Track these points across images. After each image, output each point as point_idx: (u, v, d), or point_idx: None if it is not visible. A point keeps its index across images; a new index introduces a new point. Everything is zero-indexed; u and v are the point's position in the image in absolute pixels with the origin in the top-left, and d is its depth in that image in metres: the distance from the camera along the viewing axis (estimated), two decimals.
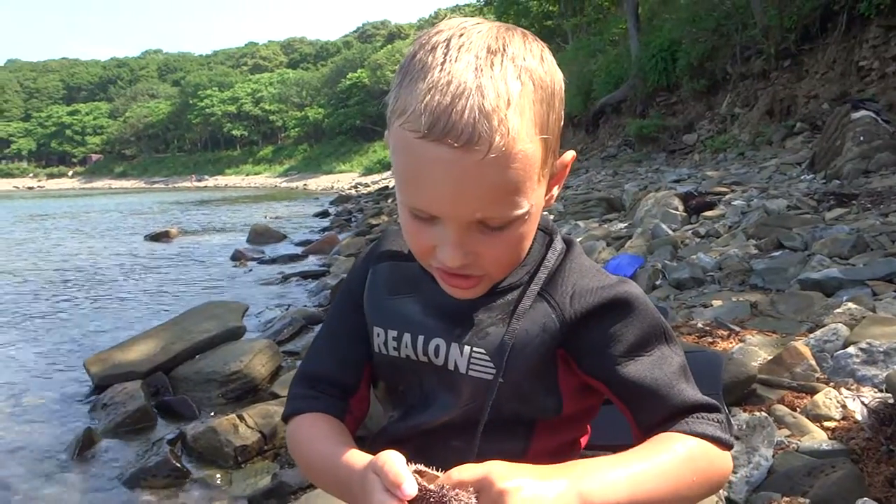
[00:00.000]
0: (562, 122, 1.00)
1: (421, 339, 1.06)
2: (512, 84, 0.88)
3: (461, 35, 0.91)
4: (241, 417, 3.90)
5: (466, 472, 0.86)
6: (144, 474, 3.65)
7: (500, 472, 0.84)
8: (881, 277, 4.52)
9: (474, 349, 1.02)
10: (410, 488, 0.82)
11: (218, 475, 3.70)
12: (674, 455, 0.95)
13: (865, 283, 4.48)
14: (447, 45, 0.90)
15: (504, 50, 0.90)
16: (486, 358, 1.02)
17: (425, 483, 0.85)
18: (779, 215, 6.68)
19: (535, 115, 0.91)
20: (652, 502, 0.91)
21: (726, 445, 1.01)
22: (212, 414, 4.56)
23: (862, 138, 7.97)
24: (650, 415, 1.00)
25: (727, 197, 8.31)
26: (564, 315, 1.02)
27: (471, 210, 0.91)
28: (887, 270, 4.56)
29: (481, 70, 0.87)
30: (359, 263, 1.23)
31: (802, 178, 8.96)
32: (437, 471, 0.87)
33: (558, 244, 1.09)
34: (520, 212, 0.93)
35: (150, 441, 4.19)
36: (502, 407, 1.01)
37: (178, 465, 3.68)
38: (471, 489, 0.84)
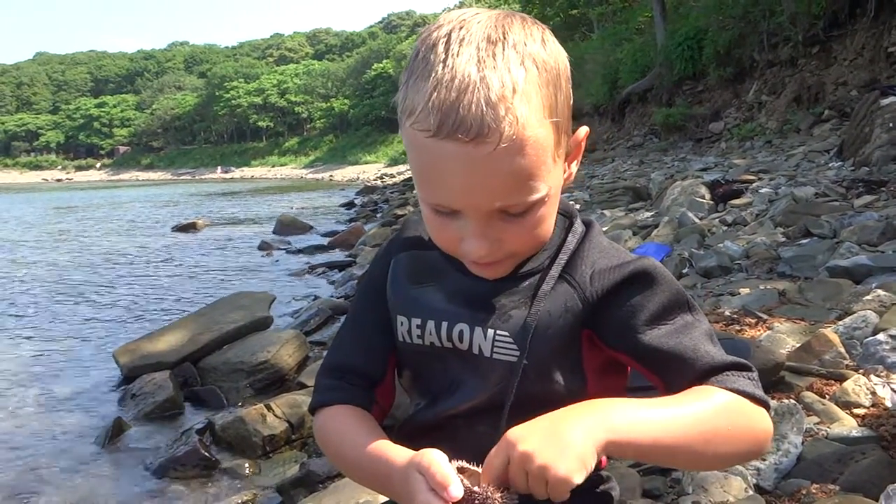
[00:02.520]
0: (571, 101, 1.00)
1: (445, 325, 1.07)
2: (516, 72, 0.89)
3: (461, 28, 0.92)
4: (268, 407, 3.94)
5: (494, 459, 0.88)
6: (173, 464, 3.70)
7: (516, 435, 0.87)
8: None
9: (498, 332, 1.03)
10: (457, 490, 0.84)
11: (246, 464, 3.74)
12: (707, 403, 0.95)
13: (895, 270, 4.42)
14: (448, 40, 0.91)
15: (504, 38, 0.91)
16: (510, 340, 1.03)
17: (470, 484, 0.86)
18: (807, 203, 6.60)
19: (543, 98, 0.92)
20: (682, 446, 0.92)
21: (763, 403, 1.00)
22: (239, 404, 4.61)
23: (891, 125, 7.83)
24: (680, 379, 0.99)
25: (754, 185, 8.22)
26: (586, 294, 1.03)
27: (489, 201, 0.92)
28: None
29: (483, 62, 0.88)
30: (380, 254, 1.24)
31: (830, 165, 8.84)
32: (477, 466, 0.89)
33: (578, 227, 1.10)
34: (538, 196, 0.95)
35: (178, 431, 4.24)
36: (527, 389, 1.02)
37: (207, 454, 3.72)
38: (513, 493, 0.87)
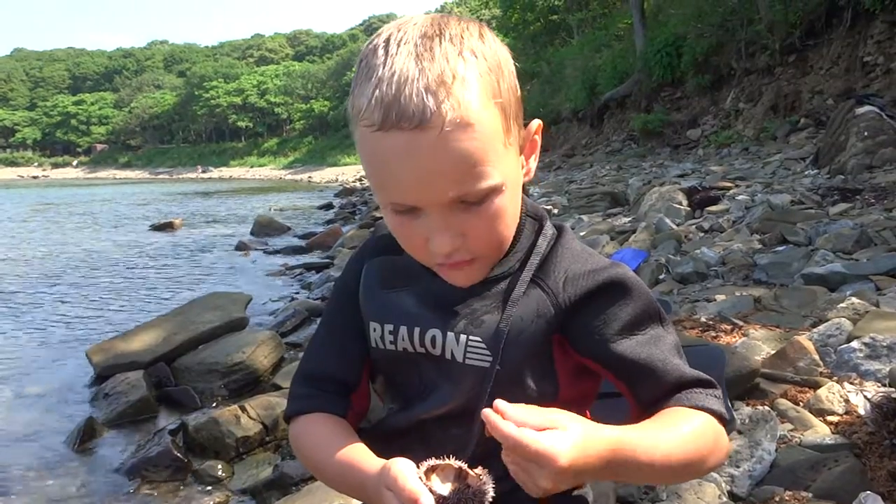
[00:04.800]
0: (518, 93, 1.01)
1: (417, 330, 1.07)
2: (453, 60, 0.91)
3: (399, 31, 0.94)
4: (242, 408, 3.90)
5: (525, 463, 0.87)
6: (145, 465, 3.65)
7: (557, 451, 0.85)
8: (885, 272, 4.50)
9: (470, 337, 1.04)
10: (427, 502, 0.84)
11: (219, 466, 3.68)
12: (684, 426, 0.97)
13: (869, 278, 4.46)
14: (387, 43, 0.93)
15: (440, 33, 0.93)
16: (483, 346, 1.03)
17: (442, 480, 0.87)
18: (783, 210, 6.66)
19: (484, 84, 0.93)
20: (664, 468, 0.94)
21: (726, 421, 1.02)
22: (213, 405, 4.56)
23: (866, 133, 7.93)
24: (649, 390, 1.01)
25: (731, 192, 8.28)
26: (558, 300, 1.04)
27: (443, 190, 0.92)
28: (891, 265, 4.54)
29: (421, 56, 0.90)
30: (353, 259, 1.24)
31: (806, 173, 8.93)
32: (449, 458, 0.89)
33: (549, 230, 1.11)
34: (491, 182, 0.94)
35: (151, 431, 4.18)
36: (500, 394, 1.01)
37: (180, 455, 3.67)
38: (484, 478, 0.88)
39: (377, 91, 0.91)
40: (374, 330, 1.12)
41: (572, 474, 0.84)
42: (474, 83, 0.92)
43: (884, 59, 12.06)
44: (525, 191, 1.11)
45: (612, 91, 22.72)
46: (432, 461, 0.88)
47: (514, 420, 0.84)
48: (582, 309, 1.03)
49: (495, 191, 0.96)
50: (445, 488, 0.87)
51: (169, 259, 12.44)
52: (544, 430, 0.84)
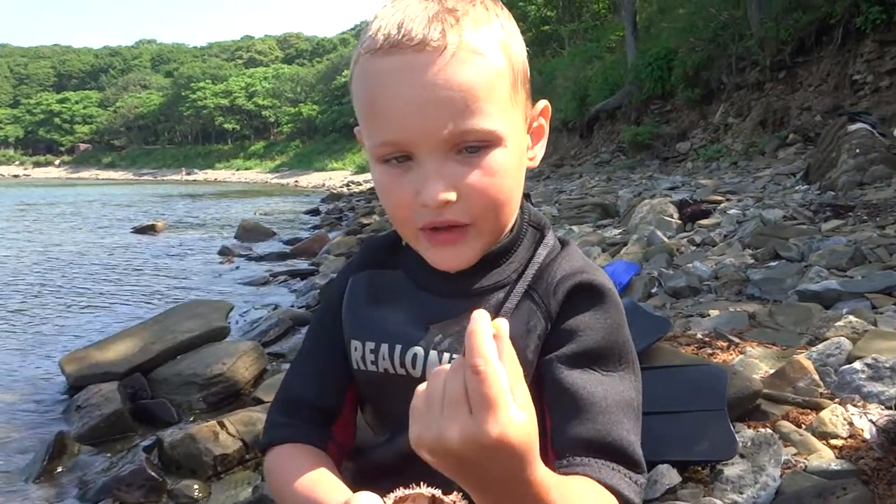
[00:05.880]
0: (527, 66, 0.96)
1: (398, 349, 0.98)
2: (467, 4, 0.89)
3: None
4: (221, 424, 3.73)
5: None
6: (117, 483, 3.44)
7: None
8: (880, 290, 4.47)
9: (454, 356, 0.92)
10: None
11: (196, 486, 3.49)
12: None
13: (865, 296, 4.43)
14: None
15: None
16: None
17: None
18: (775, 225, 6.61)
19: (496, 29, 0.90)
20: None
21: None
22: (191, 419, 4.39)
23: (858, 150, 7.90)
24: (571, 433, 0.87)
25: (722, 205, 8.23)
26: (549, 311, 0.94)
27: (439, 122, 0.85)
28: (887, 283, 4.50)
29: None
30: (339, 274, 1.14)
31: (797, 188, 8.90)
32: (420, 486, 0.77)
33: (550, 240, 1.02)
34: (492, 125, 0.87)
35: (125, 447, 4.00)
36: None
37: (154, 474, 3.47)
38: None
39: (381, 21, 0.87)
40: (356, 349, 1.02)
41: (484, 458, 0.65)
42: (485, 23, 0.89)
43: (873, 77, 12.13)
44: (528, 197, 1.03)
45: (602, 102, 22.82)
46: (401, 491, 0.77)
47: (501, 354, 0.67)
48: (560, 314, 0.94)
49: (496, 140, 0.88)
50: None
51: (149, 263, 12.21)
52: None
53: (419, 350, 0.96)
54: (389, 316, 1.01)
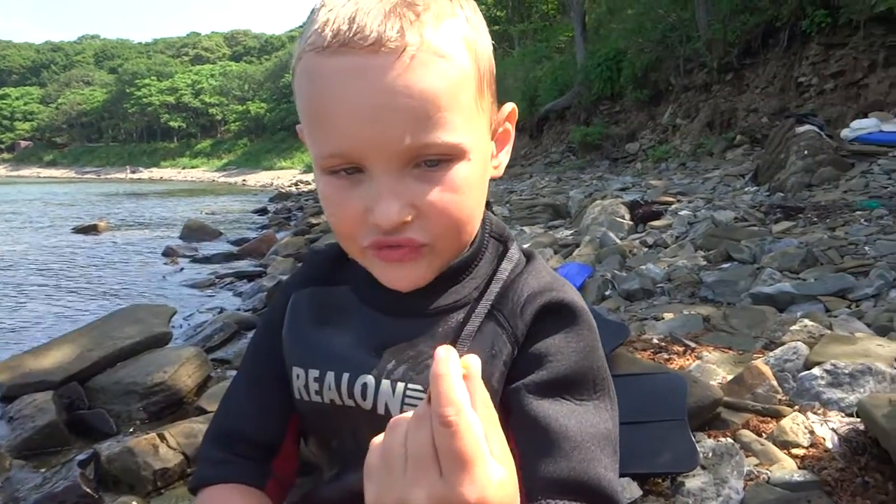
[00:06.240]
0: (493, 65, 0.85)
1: (346, 377, 0.85)
2: None
3: None
4: (161, 437, 3.55)
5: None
6: (50, 501, 3.24)
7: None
8: (833, 293, 4.49)
9: (409, 386, 0.82)
10: None
11: (134, 502, 3.32)
12: None
13: (818, 299, 4.44)
14: None
15: None
16: (424, 396, 0.79)
17: None
18: (726, 227, 6.63)
19: (460, 24, 0.79)
20: None
21: None
22: (131, 430, 4.19)
23: (806, 152, 8.00)
24: (544, 472, 0.76)
25: (673, 206, 8.26)
26: (516, 333, 0.83)
27: (396, 134, 0.73)
28: (839, 286, 4.53)
29: None
30: (280, 290, 1.00)
31: (746, 189, 8.98)
32: None
33: (514, 253, 0.91)
34: (456, 138, 0.76)
35: (59, 461, 3.78)
36: None
37: (89, 491, 3.28)
38: None
39: (330, 13, 0.75)
40: (297, 377, 0.89)
41: None
42: (449, 17, 0.77)
43: (818, 80, 12.34)
44: (489, 206, 0.91)
45: (552, 103, 22.92)
46: None
47: (473, 400, 0.58)
48: (528, 337, 0.83)
49: (460, 154, 0.77)
50: None
51: (90, 265, 11.82)
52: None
53: (370, 379, 0.83)
54: (335, 339, 0.88)
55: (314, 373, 0.87)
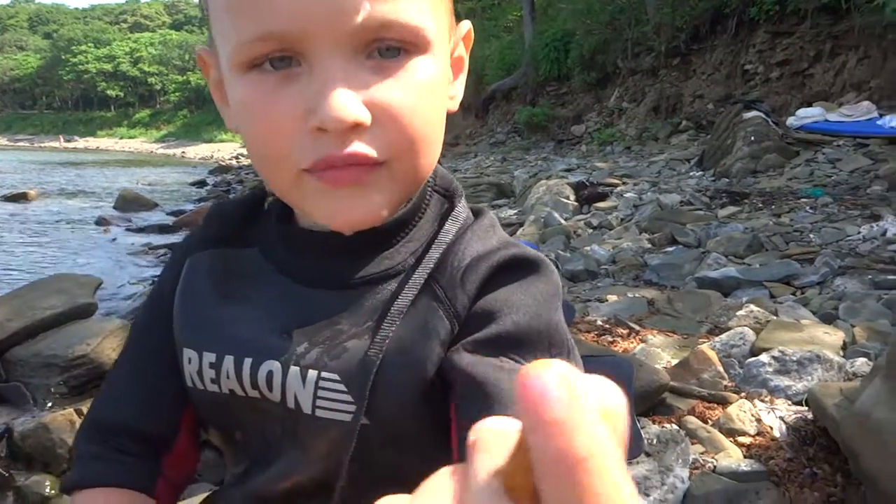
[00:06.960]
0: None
1: (248, 363, 0.68)
2: None
3: None
4: (79, 412, 3.35)
5: None
6: None
7: None
8: (779, 279, 4.48)
9: (323, 374, 0.65)
10: None
11: (48, 482, 3.13)
12: None
13: (763, 285, 4.43)
14: None
15: None
16: (342, 387, 0.64)
17: None
18: (672, 210, 6.61)
19: None
20: None
21: None
22: (50, 405, 3.95)
23: (752, 138, 8.03)
24: (468, 414, 0.60)
25: (619, 189, 8.23)
26: (456, 307, 0.65)
27: (350, 3, 0.57)
28: (785, 272, 4.52)
29: None
30: (171, 256, 0.82)
31: (692, 174, 9.00)
32: None
33: (461, 211, 0.73)
34: (420, 19, 0.60)
35: None
36: (372, 460, 0.64)
37: (0, 469, 3.10)
38: None
39: None
40: (189, 361, 0.72)
41: None
42: None
43: (763, 67, 12.45)
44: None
45: (498, 82, 22.85)
46: None
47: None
48: (475, 303, 0.66)
49: (423, 43, 0.61)
50: None
51: (16, 234, 11.35)
52: None
53: (276, 365, 0.67)
54: (238, 315, 0.71)
55: (209, 357, 0.70)
